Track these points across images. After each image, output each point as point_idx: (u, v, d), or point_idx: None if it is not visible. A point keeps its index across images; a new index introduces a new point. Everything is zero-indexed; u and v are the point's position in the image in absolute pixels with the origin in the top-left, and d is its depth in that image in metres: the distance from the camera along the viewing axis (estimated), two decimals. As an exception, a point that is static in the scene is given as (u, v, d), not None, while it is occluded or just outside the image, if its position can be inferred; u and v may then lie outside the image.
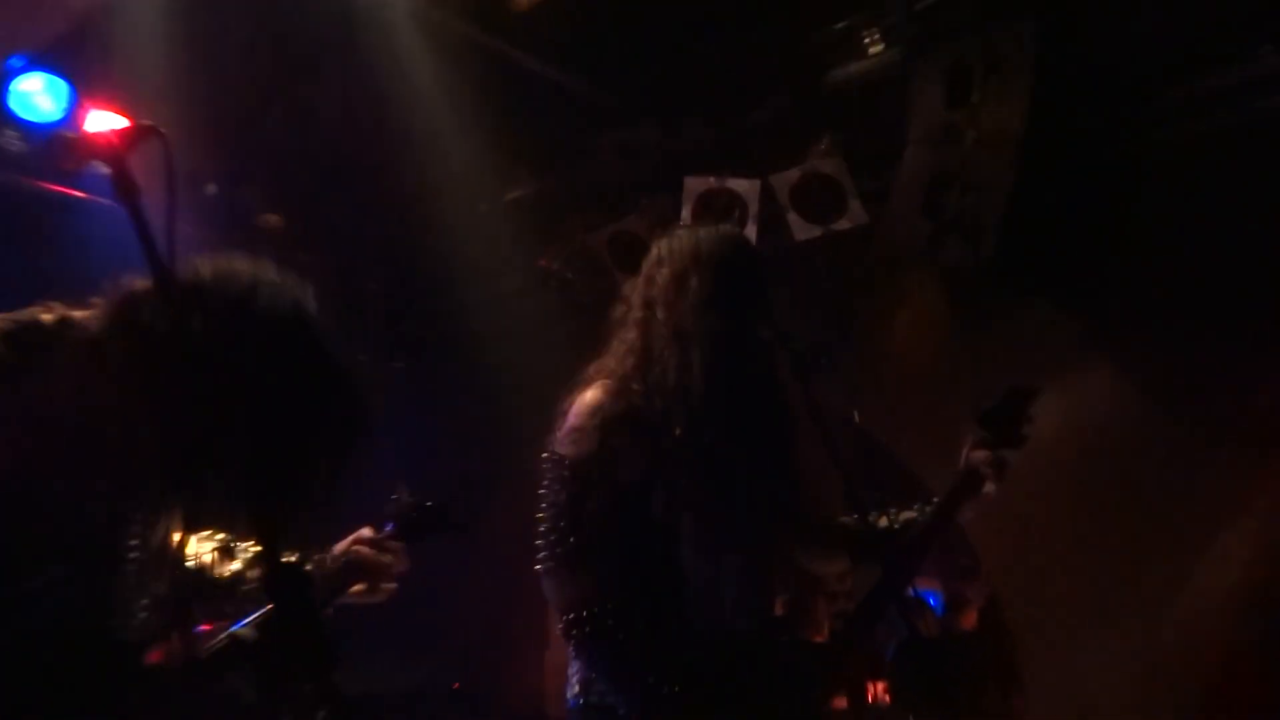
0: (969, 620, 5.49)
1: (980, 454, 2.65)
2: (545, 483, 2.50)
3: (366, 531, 2.51)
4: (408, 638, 4.81)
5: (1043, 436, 2.67)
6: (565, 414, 2.53)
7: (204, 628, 2.10)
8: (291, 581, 1.71)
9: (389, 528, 2.54)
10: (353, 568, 2.44)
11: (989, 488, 2.64)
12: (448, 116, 4.89)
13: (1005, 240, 4.47)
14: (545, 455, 2.51)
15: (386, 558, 2.47)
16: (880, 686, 5.02)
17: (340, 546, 2.49)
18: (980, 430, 2.67)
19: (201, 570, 2.30)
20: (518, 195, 5.65)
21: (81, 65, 4.16)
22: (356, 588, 2.45)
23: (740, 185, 5.10)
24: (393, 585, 2.48)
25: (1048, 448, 2.77)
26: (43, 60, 4.14)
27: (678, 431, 2.46)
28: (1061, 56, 4.34)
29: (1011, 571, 4.86)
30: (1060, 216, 4.50)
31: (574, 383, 2.57)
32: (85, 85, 4.19)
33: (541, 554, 2.48)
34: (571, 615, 2.42)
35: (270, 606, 1.94)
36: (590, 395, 2.53)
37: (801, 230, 5.08)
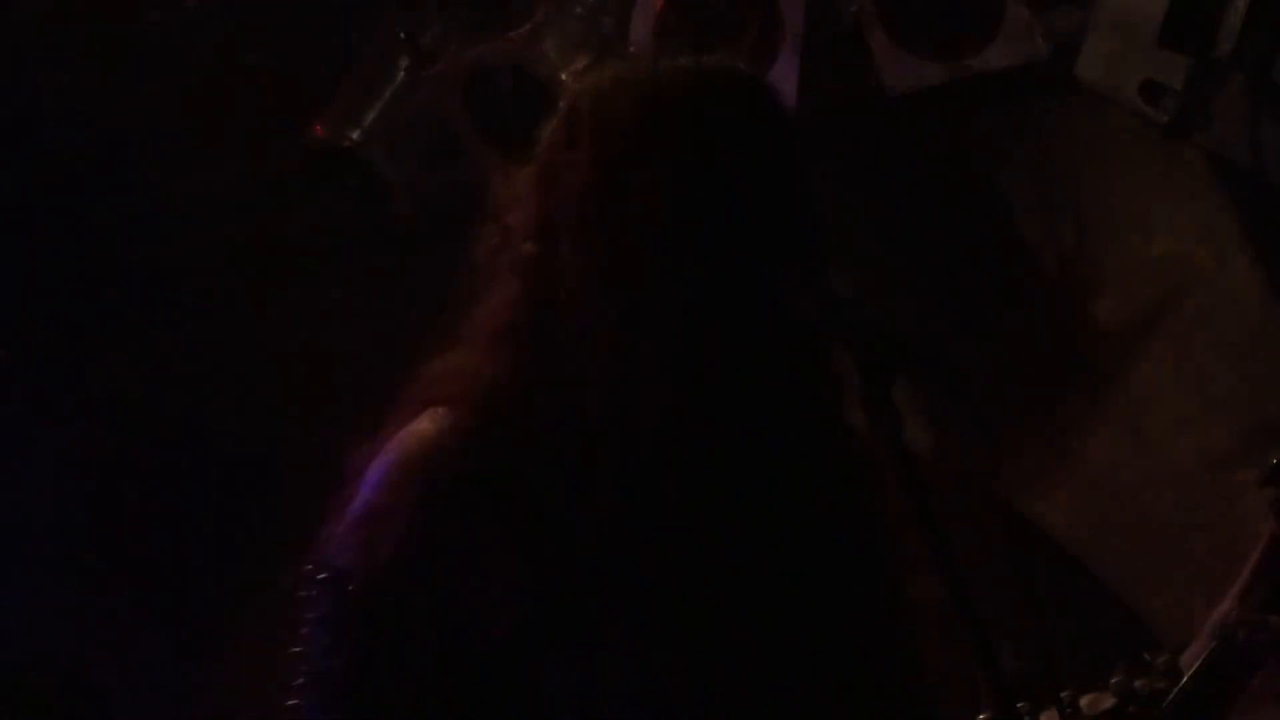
0: None
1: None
2: (307, 626, 2.54)
3: None
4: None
5: None
6: (356, 479, 2.57)
7: None
8: None
9: None
10: None
11: None
12: None
13: None
14: (310, 568, 2.55)
15: None
16: None
17: None
18: (1277, 532, 2.87)
19: None
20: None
21: None
22: None
23: None
24: None
25: None
26: None
27: (602, 521, 2.51)
28: None
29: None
30: None
31: (381, 406, 2.60)
32: None
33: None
34: None
35: None
36: (410, 439, 2.57)
37: (902, 69, 5.18)
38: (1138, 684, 2.80)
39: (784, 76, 4.91)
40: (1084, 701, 2.80)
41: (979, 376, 5.15)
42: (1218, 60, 4.66)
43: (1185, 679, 2.83)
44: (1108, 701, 2.79)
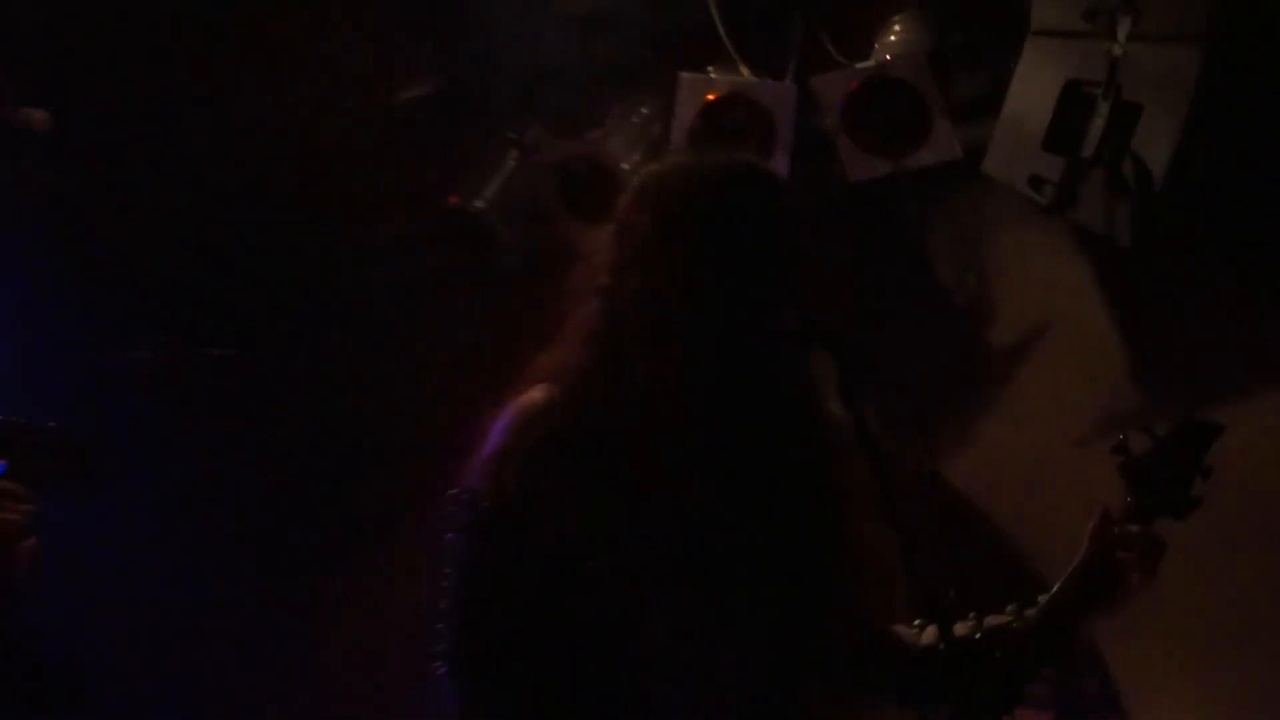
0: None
1: (1119, 529, 2.65)
2: (451, 533, 2.60)
3: None
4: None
5: (1222, 484, 2.71)
6: (488, 430, 2.61)
7: None
8: None
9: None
10: None
11: (1134, 584, 2.64)
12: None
13: (1177, 187, 4.57)
14: (453, 493, 2.61)
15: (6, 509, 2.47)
16: None
17: None
18: (1124, 489, 2.69)
19: None
20: (417, 95, 5.66)
21: None
22: None
23: (766, 91, 5.17)
24: (29, 544, 2.46)
25: (1230, 499, 2.81)
26: None
27: (650, 472, 2.54)
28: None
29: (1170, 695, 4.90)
30: (1265, 153, 4.64)
31: (504, 385, 2.66)
32: None
33: (438, 644, 2.59)
34: None
35: None
36: (527, 404, 2.61)
37: (860, 164, 5.17)
38: (1026, 611, 2.67)
39: (778, 168, 4.93)
40: (987, 619, 2.78)
41: (910, 378, 5.20)
42: (1084, 159, 4.66)
43: (1061, 580, 2.67)
44: (1003, 619, 2.76)
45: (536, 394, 2.63)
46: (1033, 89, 4.80)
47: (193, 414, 5.52)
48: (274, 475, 5.54)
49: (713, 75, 5.20)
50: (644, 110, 5.45)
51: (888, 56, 5.08)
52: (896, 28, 5.13)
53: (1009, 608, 2.74)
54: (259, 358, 5.69)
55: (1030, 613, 2.70)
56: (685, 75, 5.19)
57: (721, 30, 5.20)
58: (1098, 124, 4.62)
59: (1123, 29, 4.51)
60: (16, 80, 5.14)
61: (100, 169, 5.34)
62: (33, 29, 5.18)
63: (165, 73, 5.39)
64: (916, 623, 2.76)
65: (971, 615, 2.71)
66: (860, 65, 5.10)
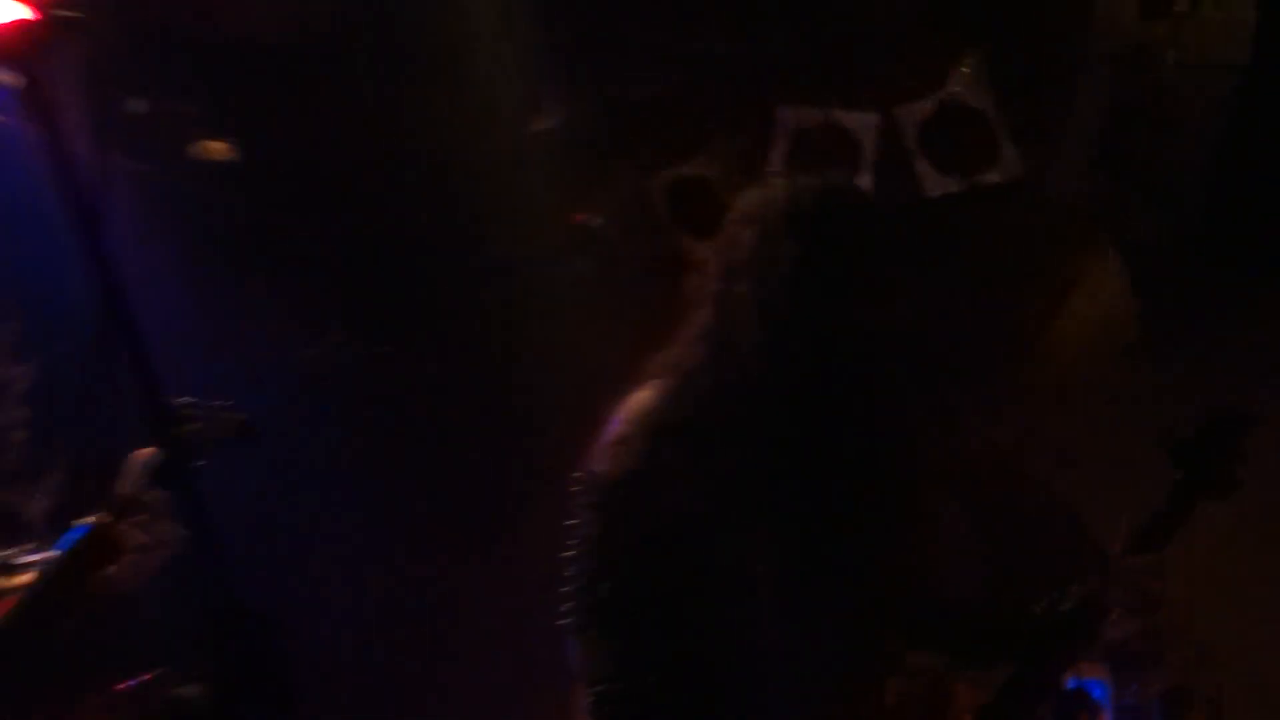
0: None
1: (1122, 567, 2.66)
2: (578, 509, 2.62)
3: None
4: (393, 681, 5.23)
5: (1261, 477, 2.73)
6: (609, 420, 2.65)
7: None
8: None
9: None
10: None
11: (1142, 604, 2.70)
12: (457, 14, 5.07)
13: (1216, 202, 4.62)
14: (578, 475, 2.64)
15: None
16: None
17: None
18: (1172, 472, 2.69)
19: None
20: (546, 126, 5.68)
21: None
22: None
23: (853, 120, 5.28)
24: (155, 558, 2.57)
25: (1268, 494, 2.92)
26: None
27: (753, 456, 2.57)
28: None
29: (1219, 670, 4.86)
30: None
31: (625, 378, 2.69)
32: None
33: (565, 606, 2.60)
34: (598, 691, 2.56)
35: None
36: (643, 395, 2.66)
37: (935, 183, 5.27)
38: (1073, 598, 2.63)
39: (863, 186, 4.95)
40: (1047, 601, 2.76)
41: (977, 372, 5.20)
42: (1133, 175, 4.61)
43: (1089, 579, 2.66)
44: (1054, 599, 2.76)
45: (653, 387, 2.66)
46: (1086, 115, 4.92)
47: (355, 403, 5.59)
48: (424, 457, 5.59)
49: (808, 108, 5.27)
50: (744, 136, 5.44)
51: (960, 87, 5.18)
52: (968, 61, 5.17)
53: (1070, 588, 2.71)
54: (413, 355, 5.75)
55: (1077, 599, 2.69)
56: (783, 107, 5.28)
57: (814, 67, 5.22)
58: (1144, 146, 4.72)
59: (1169, 59, 4.62)
60: (203, 115, 5.25)
61: (275, 193, 5.43)
62: (215, 70, 5.33)
63: (327, 105, 5.47)
64: (990, 598, 2.80)
65: (1041, 598, 2.71)
66: (935, 96, 5.17)
